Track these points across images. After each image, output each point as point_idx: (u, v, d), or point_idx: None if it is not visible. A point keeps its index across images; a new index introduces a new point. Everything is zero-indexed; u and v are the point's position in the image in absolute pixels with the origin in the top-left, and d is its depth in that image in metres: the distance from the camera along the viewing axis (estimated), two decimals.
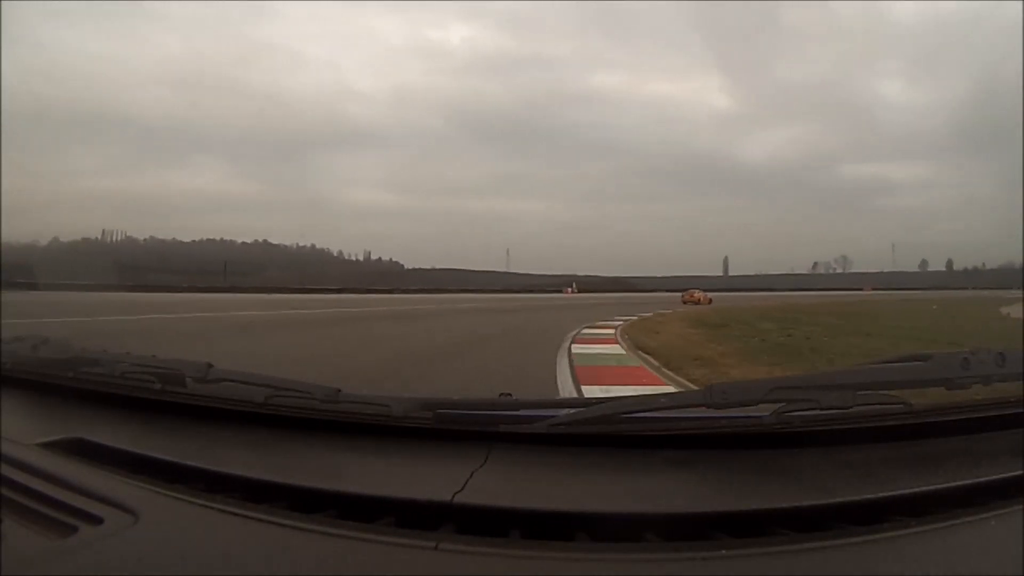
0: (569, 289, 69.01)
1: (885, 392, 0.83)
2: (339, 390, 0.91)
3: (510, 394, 0.98)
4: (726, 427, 0.84)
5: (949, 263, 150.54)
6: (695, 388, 0.97)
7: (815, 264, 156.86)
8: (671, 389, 5.01)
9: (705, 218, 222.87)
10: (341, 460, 0.90)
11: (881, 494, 0.69)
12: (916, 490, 0.70)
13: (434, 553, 0.59)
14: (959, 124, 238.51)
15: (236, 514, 0.67)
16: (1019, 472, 0.72)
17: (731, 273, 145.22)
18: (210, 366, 1.00)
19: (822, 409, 0.79)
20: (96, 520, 0.63)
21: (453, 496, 0.69)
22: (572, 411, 0.86)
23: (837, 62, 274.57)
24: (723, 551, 0.60)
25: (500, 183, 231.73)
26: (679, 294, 40.87)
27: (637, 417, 0.85)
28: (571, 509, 0.68)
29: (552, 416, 0.85)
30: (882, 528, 0.63)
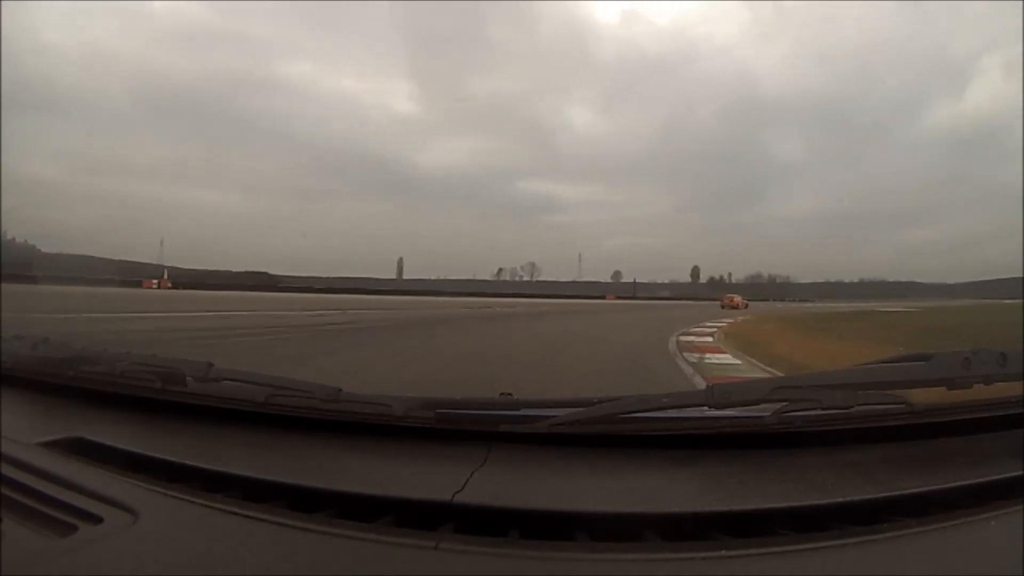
0: (155, 282, 49.94)
1: (886, 392, 0.82)
2: (340, 389, 0.91)
3: (511, 394, 0.98)
4: (727, 427, 0.83)
5: (695, 271, 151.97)
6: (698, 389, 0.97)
7: (500, 270, 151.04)
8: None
9: (381, 220, 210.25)
10: (341, 459, 0.90)
11: (881, 494, 0.69)
12: (917, 490, 0.70)
13: (434, 552, 0.59)
14: (639, 155, 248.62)
15: (236, 513, 0.67)
16: (1020, 472, 0.72)
17: (406, 276, 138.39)
18: (210, 365, 1.00)
19: (823, 409, 0.79)
20: (96, 519, 0.63)
21: (453, 496, 0.69)
22: (573, 411, 0.86)
23: (532, 83, 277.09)
24: (723, 551, 0.60)
25: (171, 168, 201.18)
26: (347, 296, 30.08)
27: (638, 417, 0.85)
28: (571, 509, 0.68)
29: (553, 416, 0.85)
30: (882, 528, 0.63)
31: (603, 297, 75.21)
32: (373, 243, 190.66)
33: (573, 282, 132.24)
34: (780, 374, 5.97)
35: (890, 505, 0.67)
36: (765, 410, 0.81)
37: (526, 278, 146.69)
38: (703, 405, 0.81)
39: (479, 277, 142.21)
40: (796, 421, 0.81)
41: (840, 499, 0.68)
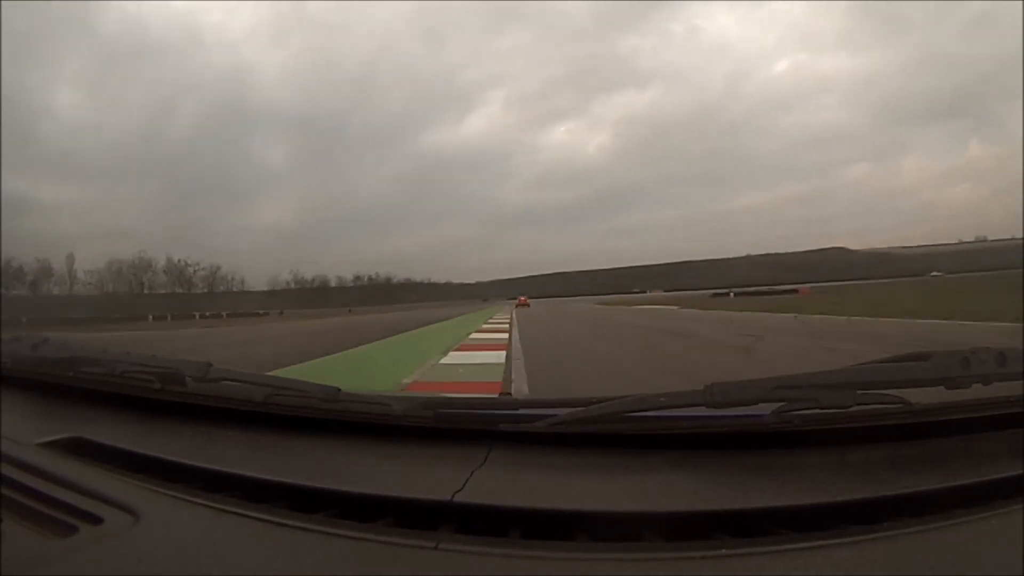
0: None
1: (885, 391, 0.82)
2: (339, 389, 0.91)
3: (510, 393, 0.98)
4: (726, 426, 0.83)
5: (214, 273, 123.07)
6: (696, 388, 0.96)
7: None
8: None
9: None
10: (341, 459, 0.90)
11: (881, 494, 0.69)
12: (916, 490, 0.70)
13: (434, 552, 0.59)
14: (123, 149, 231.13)
15: (236, 513, 0.67)
16: (1019, 472, 0.72)
17: None
18: (210, 365, 1.00)
19: (822, 408, 0.79)
20: (96, 520, 0.63)
21: (453, 495, 0.69)
22: (572, 410, 0.86)
23: (21, 51, 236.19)
24: (723, 550, 0.60)
25: None
26: None
27: (637, 416, 0.85)
28: (571, 508, 0.68)
29: (552, 415, 0.85)
30: (882, 528, 0.63)
31: None
32: None
33: None
34: None
35: (890, 505, 0.67)
36: (764, 409, 0.81)
37: None
38: (702, 405, 0.81)
39: None
40: (795, 420, 0.81)
41: (840, 499, 0.68)
